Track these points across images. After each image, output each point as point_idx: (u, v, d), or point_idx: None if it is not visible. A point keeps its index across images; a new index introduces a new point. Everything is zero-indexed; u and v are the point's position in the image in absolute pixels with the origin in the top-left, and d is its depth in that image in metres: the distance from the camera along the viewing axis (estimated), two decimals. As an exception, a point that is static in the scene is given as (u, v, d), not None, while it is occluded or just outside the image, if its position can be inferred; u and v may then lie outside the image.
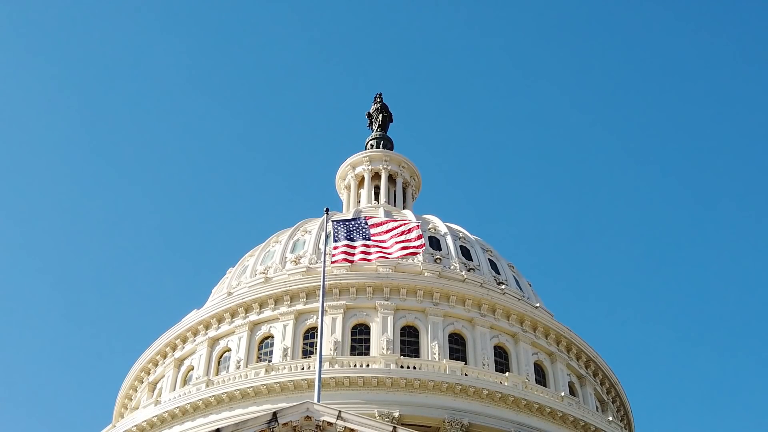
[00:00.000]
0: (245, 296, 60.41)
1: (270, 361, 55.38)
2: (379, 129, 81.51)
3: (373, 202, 75.36)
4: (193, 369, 60.26)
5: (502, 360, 58.23)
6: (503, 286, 63.17)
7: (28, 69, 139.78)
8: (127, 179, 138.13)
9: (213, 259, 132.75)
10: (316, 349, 51.67)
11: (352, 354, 55.64)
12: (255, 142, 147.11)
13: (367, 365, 52.49)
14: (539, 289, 70.22)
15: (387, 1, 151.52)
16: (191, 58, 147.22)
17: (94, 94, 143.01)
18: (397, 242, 44.73)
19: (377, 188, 77.05)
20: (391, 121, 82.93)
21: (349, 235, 44.52)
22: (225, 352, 59.73)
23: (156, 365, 63.24)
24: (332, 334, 56.37)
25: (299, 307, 58.50)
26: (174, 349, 62.25)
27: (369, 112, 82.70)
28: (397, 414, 49.98)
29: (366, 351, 56.12)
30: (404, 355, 54.72)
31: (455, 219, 71.22)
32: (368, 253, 44.66)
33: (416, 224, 46.03)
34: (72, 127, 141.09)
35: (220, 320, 60.67)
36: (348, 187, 78.43)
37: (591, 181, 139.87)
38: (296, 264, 63.28)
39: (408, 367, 52.53)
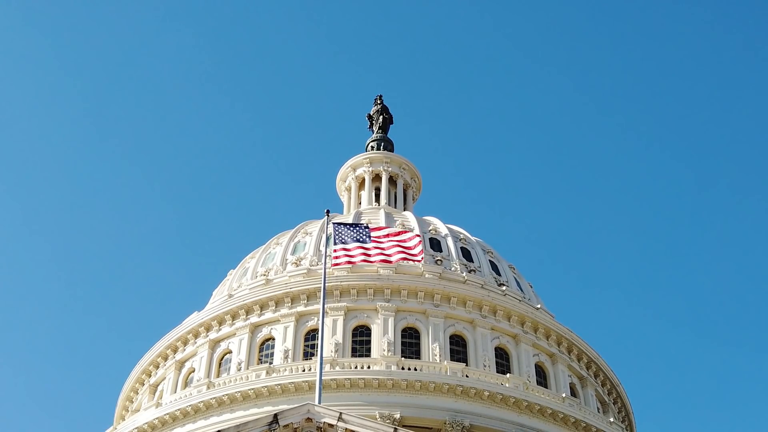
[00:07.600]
0: (246, 298, 60.40)
1: (271, 363, 55.35)
2: (380, 131, 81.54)
3: (374, 203, 75.35)
4: (194, 371, 60.25)
5: (503, 361, 58.22)
6: (504, 288, 63.13)
7: (37, 65, 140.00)
8: (129, 182, 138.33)
9: (214, 261, 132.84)
10: (316, 350, 51.75)
11: (353, 356, 55.62)
12: (256, 143, 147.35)
13: (368, 367, 52.48)
14: (540, 291, 70.32)
15: (388, 2, 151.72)
16: (192, 60, 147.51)
17: (98, 94, 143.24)
18: (397, 247, 44.83)
19: (378, 190, 77.05)
20: (392, 123, 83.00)
21: (350, 238, 44.58)
22: (226, 354, 59.72)
23: (157, 367, 63.24)
24: (333, 335, 56.35)
25: (300, 308, 58.48)
26: (175, 351, 62.24)
27: (369, 114, 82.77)
28: (398, 415, 49.98)
29: (367, 353, 56.09)
30: (405, 357, 54.70)
31: (456, 220, 71.30)
32: (369, 256, 44.78)
33: (416, 234, 46.24)
34: (74, 129, 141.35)
35: (220, 322, 60.66)
36: (349, 189, 78.43)
37: (592, 182, 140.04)
38: (297, 266, 63.28)
39: (409, 369, 52.50)
